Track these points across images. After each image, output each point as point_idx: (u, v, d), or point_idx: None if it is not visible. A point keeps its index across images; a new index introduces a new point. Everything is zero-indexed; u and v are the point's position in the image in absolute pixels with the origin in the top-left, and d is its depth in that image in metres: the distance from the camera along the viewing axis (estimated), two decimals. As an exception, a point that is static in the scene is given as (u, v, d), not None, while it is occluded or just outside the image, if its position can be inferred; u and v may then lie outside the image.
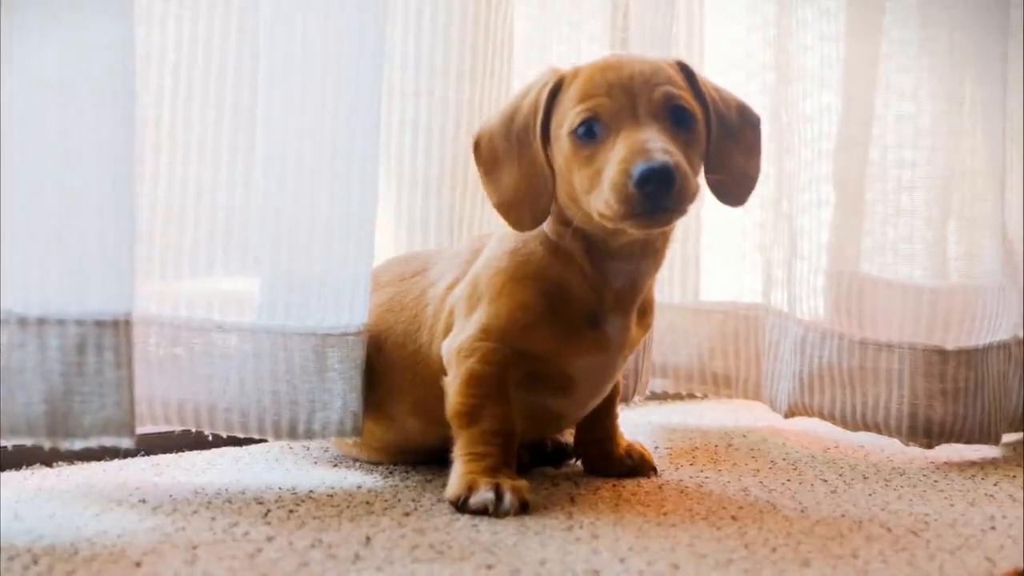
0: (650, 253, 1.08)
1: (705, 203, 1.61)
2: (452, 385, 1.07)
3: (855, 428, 1.40)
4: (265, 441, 1.26)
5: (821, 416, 1.42)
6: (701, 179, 1.06)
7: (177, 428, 1.12)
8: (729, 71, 1.57)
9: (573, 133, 1.01)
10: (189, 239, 1.11)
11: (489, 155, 1.08)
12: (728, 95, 1.12)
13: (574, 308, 1.07)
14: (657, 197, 0.95)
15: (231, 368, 1.10)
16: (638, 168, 0.95)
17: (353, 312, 1.11)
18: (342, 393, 1.11)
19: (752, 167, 1.11)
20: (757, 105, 1.51)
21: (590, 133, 1.01)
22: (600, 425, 1.20)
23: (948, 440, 1.36)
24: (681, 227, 1.57)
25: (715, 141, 1.07)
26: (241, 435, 1.12)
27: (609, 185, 0.97)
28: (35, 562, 0.83)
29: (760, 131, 1.12)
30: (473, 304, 1.08)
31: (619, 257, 1.07)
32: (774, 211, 1.51)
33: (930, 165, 1.43)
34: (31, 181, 0.94)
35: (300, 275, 1.10)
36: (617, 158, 0.97)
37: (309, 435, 1.11)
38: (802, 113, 1.46)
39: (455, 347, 1.07)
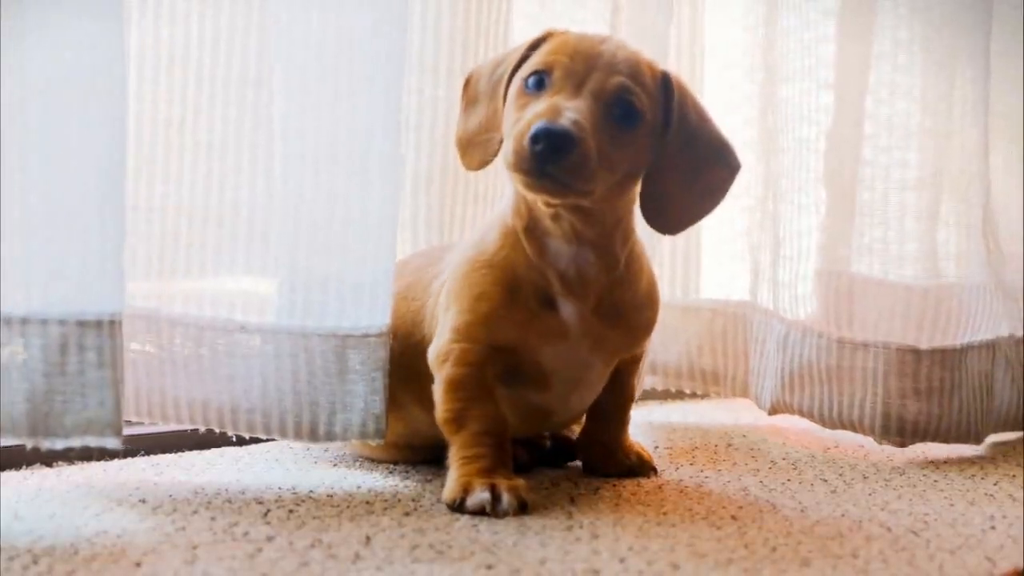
0: (586, 241, 1.06)
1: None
2: (437, 392, 1.07)
3: (832, 426, 1.40)
4: (268, 441, 1.26)
5: (801, 414, 1.43)
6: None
7: (202, 428, 1.12)
8: (725, 71, 1.56)
9: (524, 80, 1.03)
10: (212, 238, 1.11)
11: (472, 93, 1.11)
12: (714, 131, 1.10)
13: (527, 290, 1.07)
14: (544, 159, 0.96)
15: (253, 369, 1.09)
16: (537, 125, 0.96)
17: (374, 313, 1.10)
18: (363, 395, 1.10)
19: (701, 205, 1.10)
20: (753, 105, 1.53)
21: (539, 85, 1.02)
22: (609, 426, 1.20)
23: (923, 439, 1.36)
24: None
25: (668, 159, 1.05)
26: (264, 436, 1.12)
27: (514, 134, 0.99)
28: (35, 562, 0.83)
29: (733, 178, 1.10)
30: (448, 302, 1.09)
31: (553, 235, 1.06)
32: (761, 210, 1.51)
33: (911, 166, 1.43)
34: (15, 181, 0.93)
35: (319, 274, 1.10)
36: (531, 112, 0.99)
37: (330, 437, 1.11)
38: (796, 113, 1.46)
39: (435, 353, 1.08)
